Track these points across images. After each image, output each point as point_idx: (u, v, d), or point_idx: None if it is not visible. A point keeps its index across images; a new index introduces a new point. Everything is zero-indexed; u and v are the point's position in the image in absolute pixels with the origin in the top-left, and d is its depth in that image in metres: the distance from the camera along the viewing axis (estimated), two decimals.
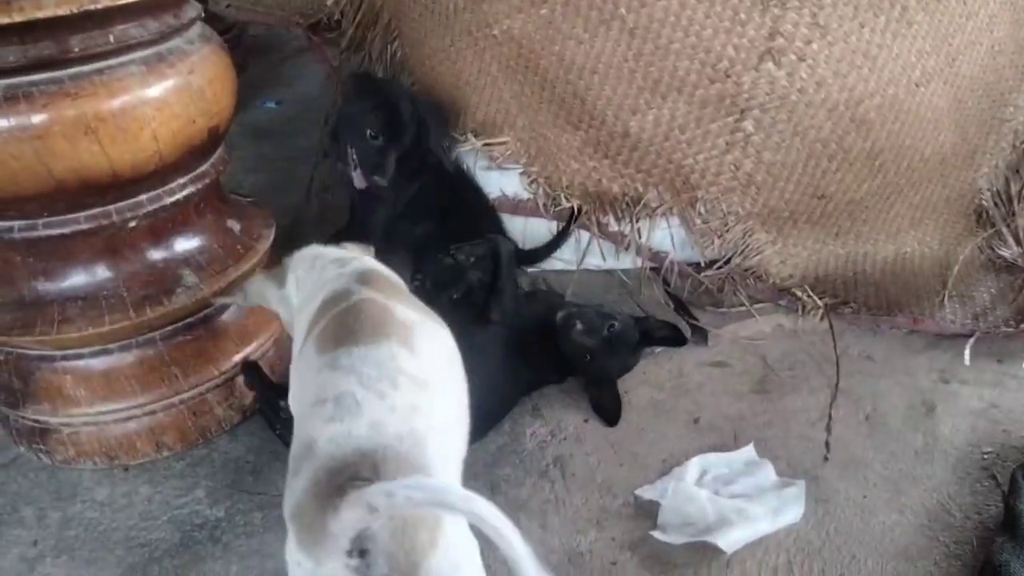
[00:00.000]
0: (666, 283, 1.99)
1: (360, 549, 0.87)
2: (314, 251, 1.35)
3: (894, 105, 1.77)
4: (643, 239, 1.93)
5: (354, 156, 1.91)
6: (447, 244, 1.79)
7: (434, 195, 2.01)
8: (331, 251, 1.34)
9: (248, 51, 3.58)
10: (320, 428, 0.94)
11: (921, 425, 1.61)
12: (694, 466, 1.49)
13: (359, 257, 1.30)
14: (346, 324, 1.07)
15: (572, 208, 1.97)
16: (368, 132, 1.89)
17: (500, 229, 2.04)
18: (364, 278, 1.19)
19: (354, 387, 0.96)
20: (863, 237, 1.96)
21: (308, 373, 1.06)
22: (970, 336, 1.78)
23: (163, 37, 1.37)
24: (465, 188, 2.07)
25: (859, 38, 1.70)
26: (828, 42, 1.70)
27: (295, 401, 1.11)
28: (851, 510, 1.43)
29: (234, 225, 1.64)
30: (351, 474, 0.87)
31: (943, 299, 1.86)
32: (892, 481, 1.48)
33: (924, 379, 1.74)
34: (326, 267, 1.26)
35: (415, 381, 1.01)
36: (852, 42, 1.70)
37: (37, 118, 1.24)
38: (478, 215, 2.04)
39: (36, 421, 1.55)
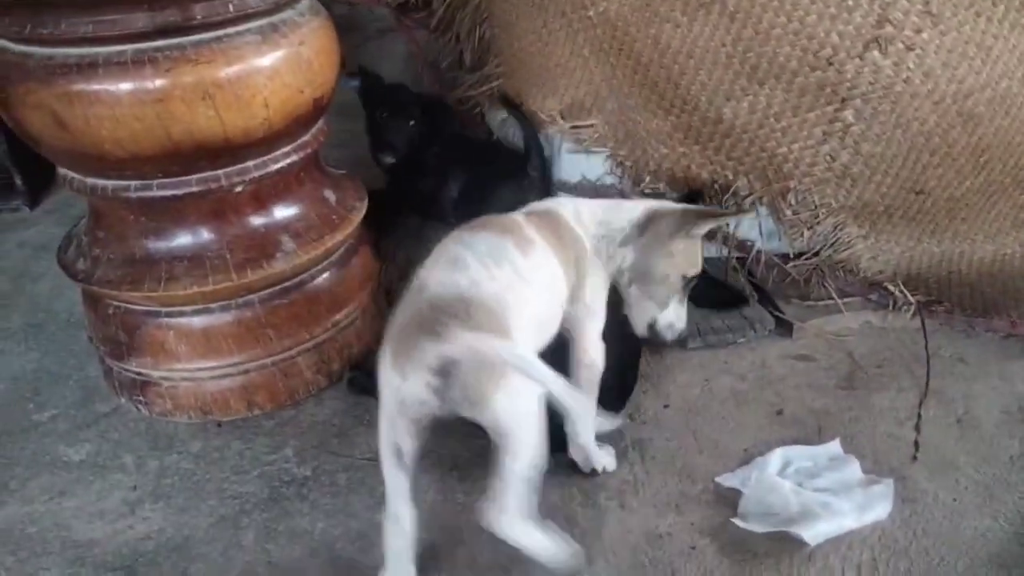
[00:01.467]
0: (751, 273, 1.97)
1: (444, 371, 1.08)
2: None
3: (1006, 99, 1.70)
4: (731, 228, 1.91)
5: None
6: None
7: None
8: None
9: None
10: (432, 275, 1.18)
11: (1017, 431, 1.56)
12: (777, 457, 1.47)
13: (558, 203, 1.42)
14: (482, 222, 1.30)
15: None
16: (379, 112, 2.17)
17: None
18: (528, 209, 1.38)
19: (467, 254, 1.19)
20: (961, 236, 1.89)
21: (438, 247, 1.26)
22: None
23: (277, 8, 1.41)
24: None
25: (973, 28, 1.64)
26: (940, 31, 1.64)
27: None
28: (940, 512, 1.39)
29: (330, 195, 1.68)
30: (449, 311, 1.08)
31: None
32: (985, 486, 1.44)
33: (1021, 384, 1.67)
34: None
35: (518, 272, 1.21)
36: (965, 32, 1.64)
37: (160, 82, 1.29)
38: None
39: (138, 374, 1.63)
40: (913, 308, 1.81)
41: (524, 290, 1.21)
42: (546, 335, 1.30)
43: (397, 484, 1.20)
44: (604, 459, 1.46)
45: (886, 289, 1.83)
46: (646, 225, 1.35)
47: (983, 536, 1.34)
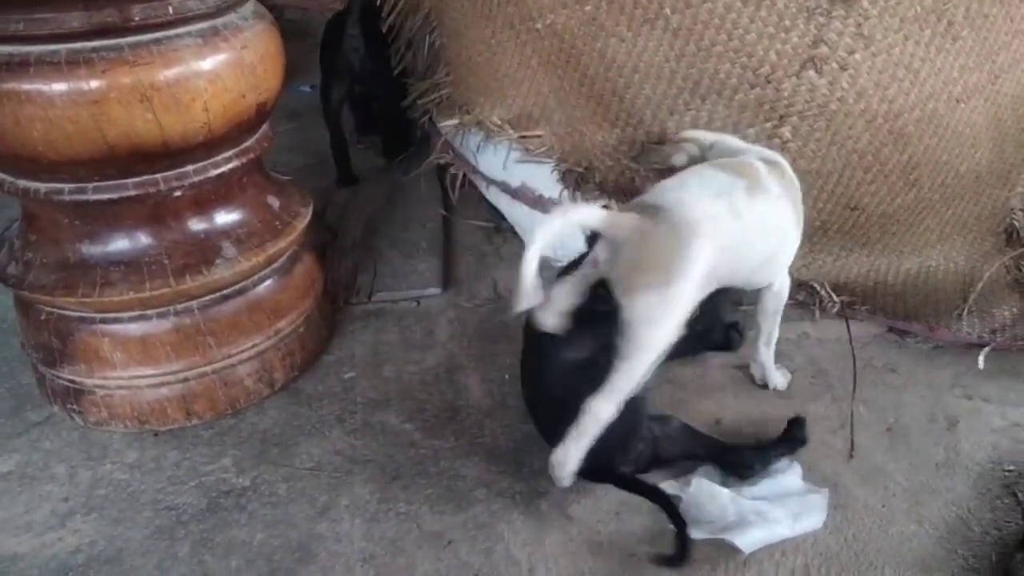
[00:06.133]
0: None
1: None
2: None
3: (933, 120, 1.77)
4: None
5: None
6: None
7: None
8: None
9: (283, 36, 3.62)
10: None
11: (943, 439, 1.62)
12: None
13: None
14: None
15: None
16: None
17: None
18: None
19: None
20: (890, 249, 1.96)
21: None
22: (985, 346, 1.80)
23: (219, 11, 1.40)
24: None
25: (902, 51, 1.71)
26: (871, 53, 1.70)
27: None
28: (870, 518, 1.43)
29: (273, 202, 1.66)
30: None
31: (962, 313, 1.86)
32: (912, 492, 1.49)
33: (947, 394, 1.74)
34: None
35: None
36: (895, 54, 1.70)
37: (95, 83, 1.26)
38: None
39: (71, 381, 1.58)
40: (837, 306, 1.87)
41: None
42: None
43: None
44: (779, 379, 1.73)
45: (812, 288, 1.89)
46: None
47: (909, 541, 1.39)
